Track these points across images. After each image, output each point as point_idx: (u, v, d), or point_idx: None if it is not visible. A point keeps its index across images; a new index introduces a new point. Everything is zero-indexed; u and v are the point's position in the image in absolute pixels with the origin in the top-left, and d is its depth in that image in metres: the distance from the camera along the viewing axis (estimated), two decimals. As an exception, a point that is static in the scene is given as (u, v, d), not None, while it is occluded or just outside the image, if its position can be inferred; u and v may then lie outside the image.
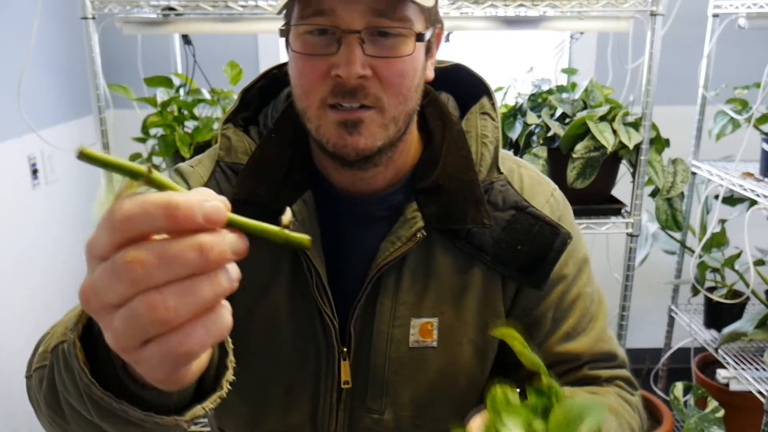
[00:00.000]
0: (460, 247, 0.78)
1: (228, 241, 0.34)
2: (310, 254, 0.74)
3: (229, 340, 0.50)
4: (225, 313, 0.36)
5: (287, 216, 0.37)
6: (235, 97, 0.85)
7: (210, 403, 0.47)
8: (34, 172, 1.89)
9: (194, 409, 0.47)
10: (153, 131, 1.62)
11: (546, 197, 0.82)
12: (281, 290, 0.77)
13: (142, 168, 0.34)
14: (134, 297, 0.34)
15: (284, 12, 0.75)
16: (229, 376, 0.49)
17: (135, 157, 1.63)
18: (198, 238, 0.33)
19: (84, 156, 0.33)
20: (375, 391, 0.79)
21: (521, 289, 0.80)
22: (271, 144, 0.79)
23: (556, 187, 0.85)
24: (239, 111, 0.83)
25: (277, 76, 0.85)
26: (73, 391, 0.48)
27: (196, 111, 1.61)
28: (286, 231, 0.36)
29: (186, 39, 1.86)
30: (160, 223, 0.33)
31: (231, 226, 0.35)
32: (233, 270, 0.35)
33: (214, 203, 0.34)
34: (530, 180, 0.83)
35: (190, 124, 1.62)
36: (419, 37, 0.71)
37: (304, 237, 0.37)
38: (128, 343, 0.35)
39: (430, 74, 0.78)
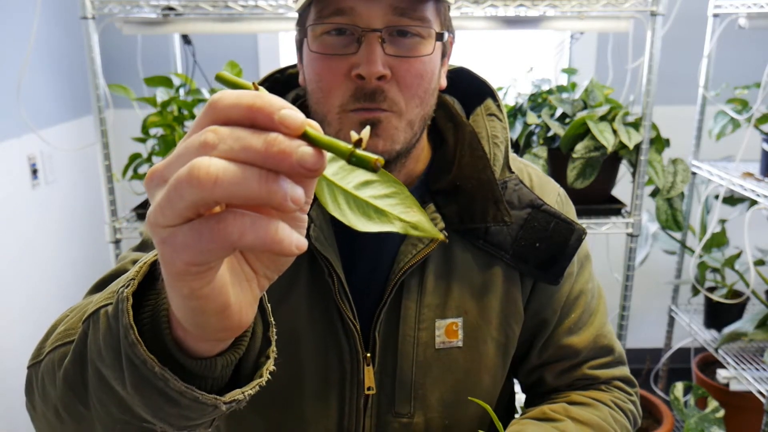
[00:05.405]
0: (480, 247, 0.78)
1: (299, 150, 0.32)
2: (332, 261, 0.73)
3: (275, 331, 0.50)
4: (279, 226, 0.33)
5: (365, 132, 0.35)
6: None
7: (249, 389, 0.46)
8: (34, 172, 1.89)
9: (233, 391, 0.46)
10: (153, 131, 1.62)
11: (554, 196, 0.84)
12: (300, 299, 0.76)
13: (248, 84, 0.37)
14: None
15: (298, 19, 0.75)
16: (270, 365, 0.48)
17: (135, 156, 1.63)
18: (269, 133, 0.33)
19: (218, 79, 0.38)
20: (403, 395, 0.79)
21: (536, 286, 0.82)
22: None
23: (560, 186, 0.88)
24: None
25: (279, 80, 0.83)
26: (110, 357, 0.46)
27: (196, 111, 1.61)
28: (356, 150, 0.34)
29: (186, 39, 1.86)
30: (244, 113, 0.33)
31: (306, 140, 0.34)
32: (294, 191, 0.33)
33: (294, 111, 0.33)
34: (539, 179, 0.85)
35: (190, 124, 1.62)
36: (438, 37, 0.71)
37: (372, 156, 0.34)
38: (166, 212, 0.33)
39: (443, 82, 0.78)
